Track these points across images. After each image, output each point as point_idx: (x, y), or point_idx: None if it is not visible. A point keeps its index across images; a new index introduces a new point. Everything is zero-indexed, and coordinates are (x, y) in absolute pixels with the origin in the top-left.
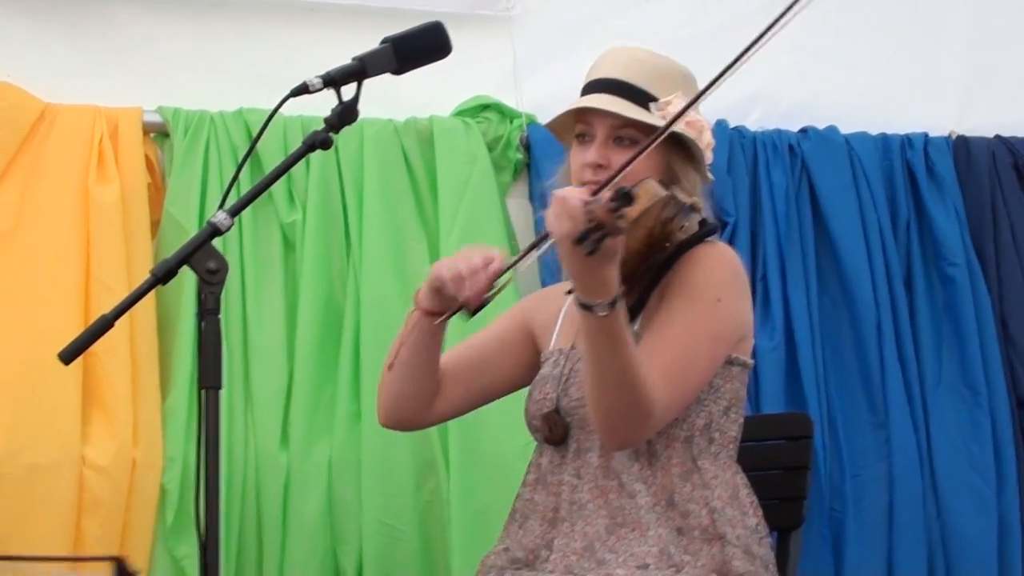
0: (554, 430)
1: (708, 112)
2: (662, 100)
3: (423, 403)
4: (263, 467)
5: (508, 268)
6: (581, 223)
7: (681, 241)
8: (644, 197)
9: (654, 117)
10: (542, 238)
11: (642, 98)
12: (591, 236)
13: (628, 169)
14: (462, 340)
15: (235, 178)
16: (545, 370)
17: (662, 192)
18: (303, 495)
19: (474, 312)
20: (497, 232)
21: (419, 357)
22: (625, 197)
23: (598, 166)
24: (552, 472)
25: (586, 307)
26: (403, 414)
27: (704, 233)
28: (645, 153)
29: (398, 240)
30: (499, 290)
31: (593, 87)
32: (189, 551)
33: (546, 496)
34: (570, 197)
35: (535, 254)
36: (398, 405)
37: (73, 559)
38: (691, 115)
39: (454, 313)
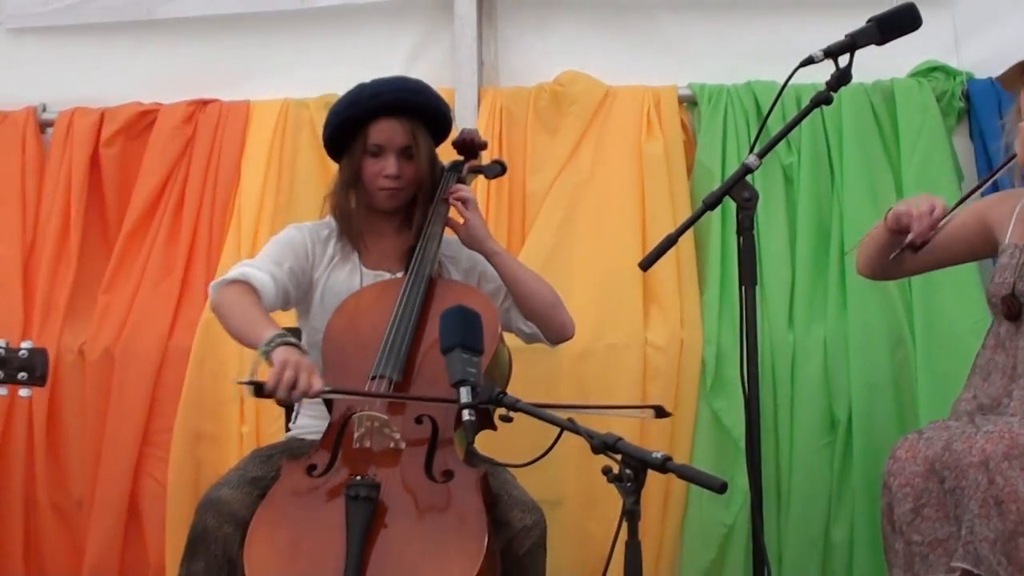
0: (1012, 308)
1: None
2: None
3: (888, 269)
4: (775, 344)
5: (949, 212)
6: None
7: None
8: None
9: None
10: (983, 183)
11: None
12: None
13: None
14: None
15: (760, 131)
16: (1003, 260)
17: None
18: (806, 364)
19: (917, 249)
20: (945, 164)
21: (880, 250)
22: None
23: None
24: (1008, 339)
25: None
26: (873, 273)
27: None
28: None
29: (870, 173)
30: (940, 230)
31: None
32: (723, 404)
33: (1004, 357)
34: None
35: (973, 197)
36: (871, 267)
37: (623, 407)
38: None
39: (903, 251)
